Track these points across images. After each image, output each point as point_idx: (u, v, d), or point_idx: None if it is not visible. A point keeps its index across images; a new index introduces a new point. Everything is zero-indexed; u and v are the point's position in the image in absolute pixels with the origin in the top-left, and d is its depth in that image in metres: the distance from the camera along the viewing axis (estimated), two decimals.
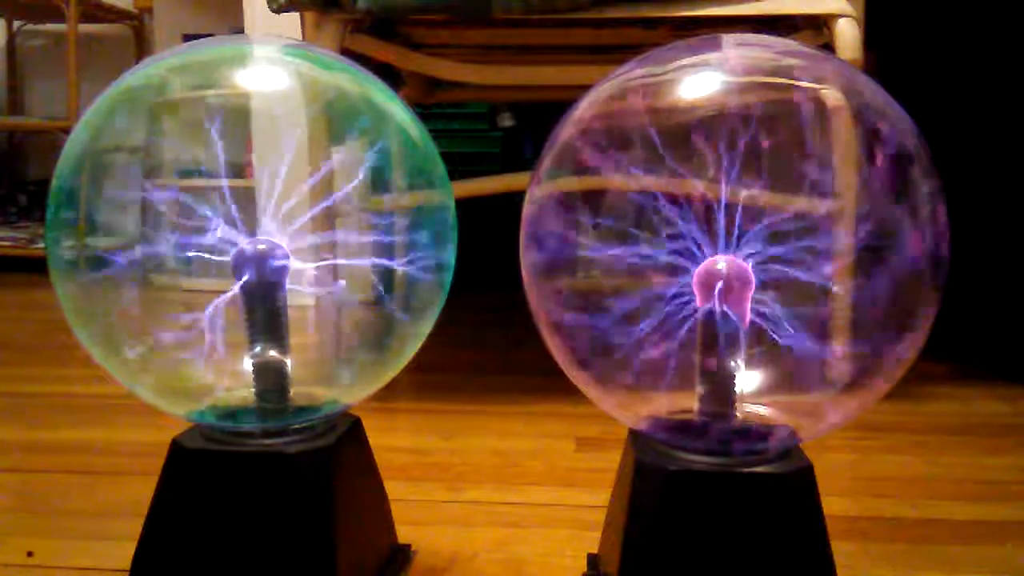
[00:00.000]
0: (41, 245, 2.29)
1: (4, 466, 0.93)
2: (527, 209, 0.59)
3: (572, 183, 0.57)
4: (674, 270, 0.54)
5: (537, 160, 0.59)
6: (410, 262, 0.61)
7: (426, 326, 0.63)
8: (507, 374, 1.31)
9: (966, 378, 1.25)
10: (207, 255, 0.57)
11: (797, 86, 0.56)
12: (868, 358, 0.56)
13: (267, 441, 0.58)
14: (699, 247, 0.54)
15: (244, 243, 0.57)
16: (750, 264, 0.54)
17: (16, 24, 2.71)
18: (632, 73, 0.57)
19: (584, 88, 0.59)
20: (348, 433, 0.61)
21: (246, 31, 1.78)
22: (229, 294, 0.57)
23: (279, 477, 0.56)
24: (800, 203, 0.54)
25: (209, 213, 0.56)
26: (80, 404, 1.15)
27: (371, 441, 0.65)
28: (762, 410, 0.58)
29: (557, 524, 0.78)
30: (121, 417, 1.08)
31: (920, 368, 0.57)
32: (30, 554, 0.71)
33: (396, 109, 0.62)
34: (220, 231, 0.57)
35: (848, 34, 1.00)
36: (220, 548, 0.57)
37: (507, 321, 1.65)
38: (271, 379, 0.59)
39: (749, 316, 0.54)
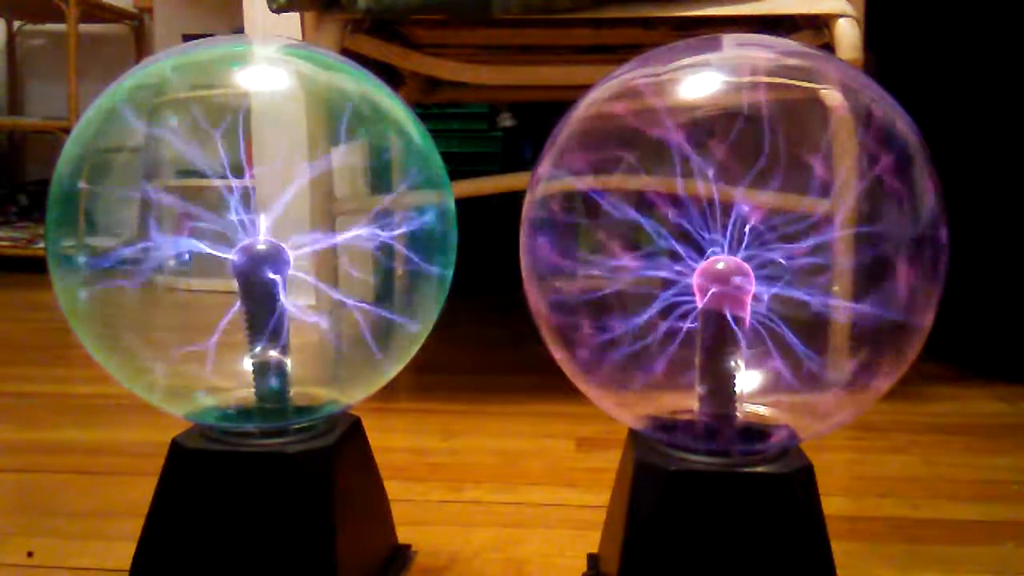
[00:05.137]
0: (41, 245, 2.29)
1: (4, 466, 0.93)
2: (527, 209, 0.59)
3: (572, 183, 0.57)
4: (674, 270, 0.54)
5: (537, 160, 0.59)
6: (410, 262, 0.61)
7: (426, 326, 0.63)
8: (507, 374, 1.31)
9: (966, 378, 1.25)
10: (207, 255, 0.57)
11: (797, 86, 0.56)
12: (868, 358, 0.56)
13: (267, 441, 0.58)
14: (699, 247, 0.54)
15: (244, 243, 0.57)
16: (750, 264, 0.53)
17: (16, 24, 2.71)
18: (632, 73, 0.57)
19: (584, 88, 0.59)
20: (348, 433, 0.61)
21: (246, 31, 1.78)
22: (229, 294, 0.57)
23: (279, 477, 0.56)
24: (800, 203, 0.54)
25: (209, 213, 0.56)
26: (80, 404, 1.15)
27: (371, 441, 0.65)
28: (762, 410, 0.58)
29: (557, 524, 0.78)
30: (121, 417, 1.08)
31: (920, 368, 0.57)
32: (30, 554, 0.71)
33: (396, 109, 0.62)
34: (220, 231, 0.57)
35: (848, 34, 1.00)
36: (220, 548, 0.57)
37: (507, 321, 1.65)
38: (271, 379, 0.59)
39: (749, 316, 0.54)
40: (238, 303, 0.57)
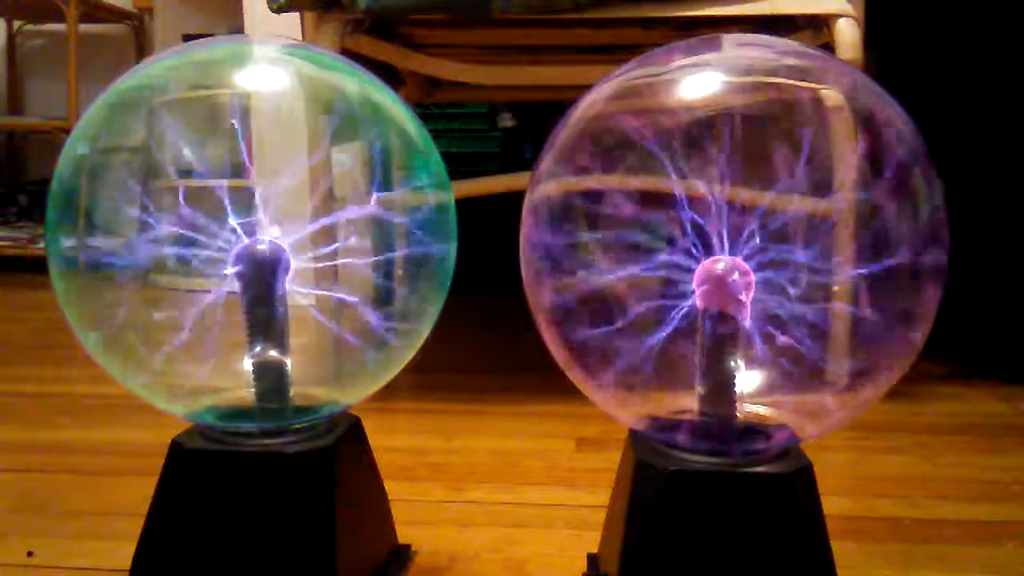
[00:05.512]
0: (41, 245, 2.29)
1: (4, 466, 0.93)
2: (527, 209, 0.59)
3: (572, 183, 0.57)
4: (674, 270, 0.54)
5: (537, 160, 0.59)
6: (410, 262, 0.61)
7: (426, 326, 0.63)
8: (507, 374, 1.31)
9: (966, 378, 1.25)
10: (206, 255, 0.57)
11: (797, 86, 0.56)
12: (868, 358, 0.56)
13: (266, 441, 0.58)
14: (699, 247, 0.54)
15: (244, 243, 0.57)
16: (750, 264, 0.53)
17: (16, 24, 2.71)
18: (632, 73, 0.57)
19: (584, 88, 0.59)
20: (348, 433, 0.61)
21: (246, 31, 1.78)
22: (228, 294, 0.57)
23: (279, 477, 0.56)
24: (800, 203, 0.54)
25: (208, 213, 0.56)
26: (80, 404, 1.15)
27: (371, 441, 0.65)
28: (762, 410, 0.58)
29: (557, 524, 0.78)
30: (121, 417, 1.08)
31: (920, 368, 0.57)
32: (30, 554, 0.71)
33: (396, 109, 0.62)
34: (219, 231, 0.57)
35: (848, 34, 1.00)
36: (220, 549, 0.57)
37: (507, 321, 1.65)
38: (271, 379, 0.59)
39: (749, 316, 0.54)
40: (237, 301, 0.57)
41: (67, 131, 0.99)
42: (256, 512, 0.57)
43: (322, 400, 0.62)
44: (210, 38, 0.68)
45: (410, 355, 0.64)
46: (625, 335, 0.55)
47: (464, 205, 0.71)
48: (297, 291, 0.59)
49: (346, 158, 0.65)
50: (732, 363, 0.54)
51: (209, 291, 0.57)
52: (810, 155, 0.54)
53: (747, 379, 0.55)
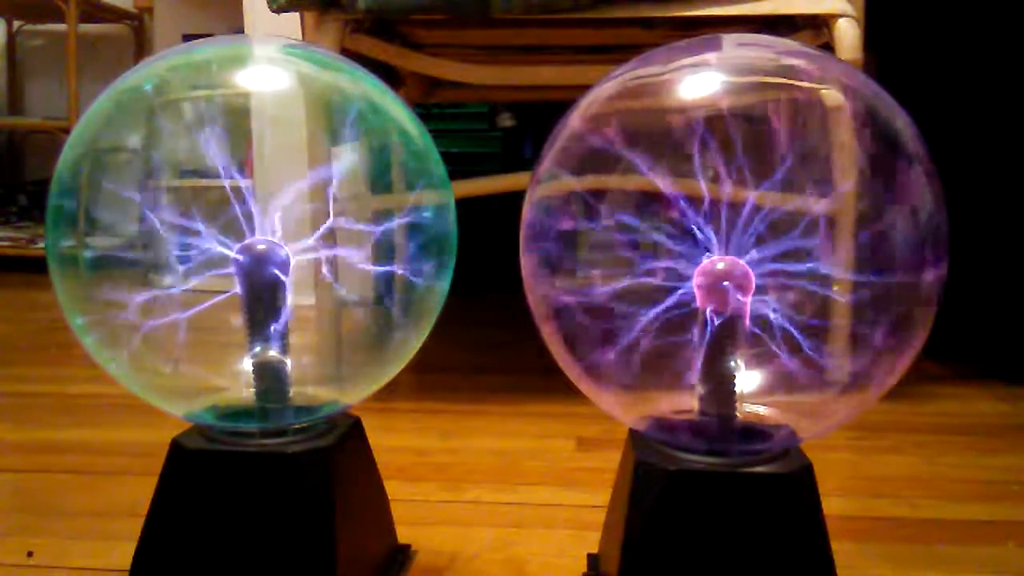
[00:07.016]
0: (41, 245, 2.29)
1: (4, 466, 0.93)
2: (527, 209, 0.59)
3: (572, 183, 0.57)
4: (674, 270, 0.54)
5: (537, 160, 0.59)
6: (410, 262, 0.61)
7: (426, 326, 0.63)
8: (507, 374, 1.31)
9: (966, 378, 1.25)
10: (206, 255, 0.57)
11: (797, 86, 0.56)
12: (868, 358, 0.56)
13: (267, 441, 0.58)
14: (699, 247, 0.54)
15: (244, 243, 0.57)
16: (750, 264, 0.53)
17: (16, 24, 2.71)
18: (632, 73, 0.57)
19: (584, 88, 0.59)
20: (348, 433, 0.61)
21: (246, 31, 1.78)
22: (229, 294, 0.57)
23: (279, 477, 0.56)
24: (800, 203, 0.54)
25: (209, 213, 0.56)
26: (80, 404, 1.15)
27: (371, 441, 0.65)
28: (762, 410, 0.58)
29: (557, 524, 0.78)
30: (121, 417, 1.08)
31: (920, 368, 0.57)
32: (30, 554, 0.71)
33: (396, 109, 0.62)
34: (220, 231, 0.57)
35: (848, 34, 1.00)
36: (220, 548, 0.57)
37: (507, 321, 1.65)
38: (271, 379, 0.59)
39: (749, 316, 0.54)
40: (237, 301, 0.57)
41: (67, 131, 0.99)
42: (256, 512, 0.57)
43: (322, 400, 0.62)
44: (210, 38, 0.68)
45: (410, 355, 0.64)
46: (625, 334, 0.55)
47: (464, 205, 0.71)
48: (297, 291, 0.59)
49: (346, 158, 0.65)
50: (732, 363, 0.54)
51: (209, 290, 0.57)
52: (810, 155, 0.54)
53: (747, 379, 0.55)
